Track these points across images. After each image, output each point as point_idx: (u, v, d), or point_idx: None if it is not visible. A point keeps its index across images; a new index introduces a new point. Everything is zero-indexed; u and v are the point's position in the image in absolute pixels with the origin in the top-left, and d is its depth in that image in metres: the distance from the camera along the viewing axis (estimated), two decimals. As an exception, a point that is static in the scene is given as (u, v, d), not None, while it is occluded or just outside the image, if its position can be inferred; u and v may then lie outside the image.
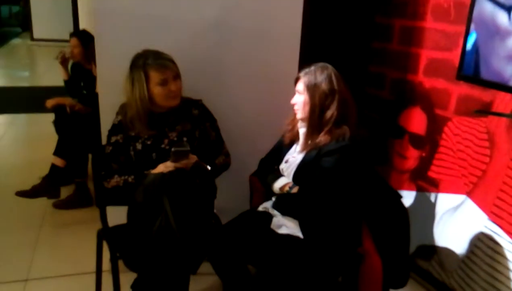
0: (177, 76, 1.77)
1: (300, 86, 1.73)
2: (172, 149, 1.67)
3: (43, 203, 2.86)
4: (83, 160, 2.90)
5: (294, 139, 1.84)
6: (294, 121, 1.82)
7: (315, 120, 1.70)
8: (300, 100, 1.73)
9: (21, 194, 2.78)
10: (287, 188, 1.75)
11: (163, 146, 1.79)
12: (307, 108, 1.71)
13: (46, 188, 2.83)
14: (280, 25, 2.18)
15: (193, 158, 1.71)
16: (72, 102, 2.97)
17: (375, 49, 2.49)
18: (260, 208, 1.86)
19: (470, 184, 1.97)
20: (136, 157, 1.80)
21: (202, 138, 1.86)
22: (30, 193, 2.79)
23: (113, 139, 1.80)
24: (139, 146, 1.79)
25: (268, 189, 1.85)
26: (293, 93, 1.78)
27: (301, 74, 1.74)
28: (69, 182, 2.98)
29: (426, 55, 2.16)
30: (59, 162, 2.86)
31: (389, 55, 2.39)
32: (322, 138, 1.68)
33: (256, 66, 2.19)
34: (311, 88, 1.69)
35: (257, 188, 1.96)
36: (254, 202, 1.97)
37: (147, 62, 1.71)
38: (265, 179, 1.86)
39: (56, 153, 2.87)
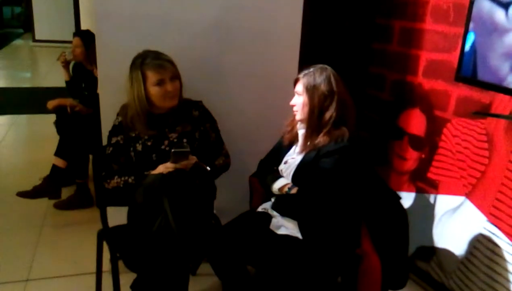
0: (174, 77, 1.77)
1: (299, 87, 1.74)
2: (172, 150, 1.67)
3: (44, 204, 2.87)
4: (84, 160, 2.90)
5: (293, 141, 1.84)
6: (293, 122, 1.82)
7: (314, 122, 1.70)
8: (299, 101, 1.73)
9: (22, 194, 2.79)
10: (286, 189, 1.75)
11: (163, 147, 1.80)
12: (306, 109, 1.71)
13: (47, 188, 2.84)
14: (280, 25, 2.18)
15: (193, 159, 1.72)
16: (73, 103, 2.98)
17: (375, 50, 2.50)
18: (260, 209, 1.86)
19: (469, 186, 1.97)
20: (136, 158, 1.80)
21: (202, 139, 1.86)
22: (31, 194, 2.80)
23: (114, 140, 1.81)
24: (139, 147, 1.80)
25: (267, 189, 1.85)
26: (293, 94, 1.78)
27: (300, 75, 1.75)
28: (70, 182, 2.99)
29: (425, 56, 2.16)
30: (60, 162, 2.86)
31: (389, 56, 2.39)
32: (321, 139, 1.69)
33: (256, 66, 2.20)
34: (310, 90, 1.70)
35: (256, 189, 1.97)
36: (253, 203, 1.97)
37: (144, 62, 1.72)
38: (264, 179, 1.87)
39: (57, 153, 2.88)
